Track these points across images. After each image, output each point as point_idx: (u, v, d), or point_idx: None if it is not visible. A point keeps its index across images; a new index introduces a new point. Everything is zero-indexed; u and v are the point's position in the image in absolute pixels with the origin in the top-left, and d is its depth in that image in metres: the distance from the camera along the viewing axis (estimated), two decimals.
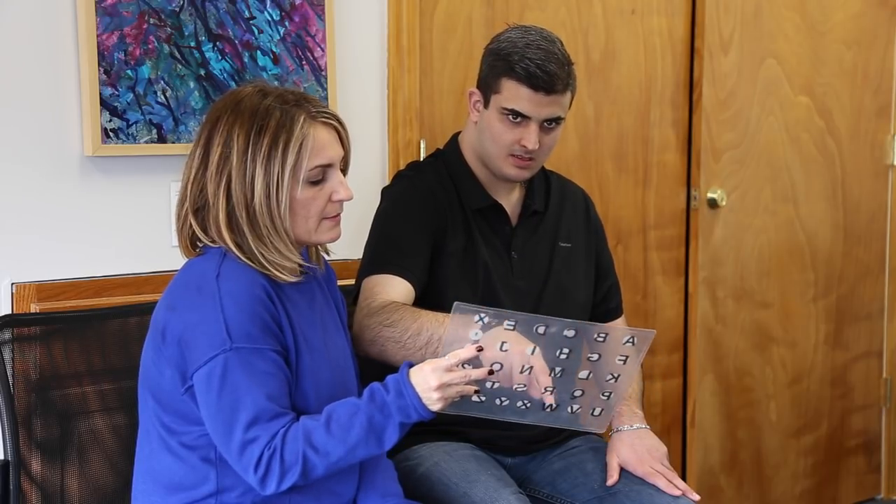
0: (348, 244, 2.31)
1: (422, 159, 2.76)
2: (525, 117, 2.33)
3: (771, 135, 3.75)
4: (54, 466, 2.16)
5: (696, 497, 2.30)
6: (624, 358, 2.03)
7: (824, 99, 3.87)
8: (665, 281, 3.56)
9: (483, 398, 1.95)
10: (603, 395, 2.06)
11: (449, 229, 2.39)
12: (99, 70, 2.37)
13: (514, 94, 2.32)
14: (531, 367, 1.93)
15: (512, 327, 1.93)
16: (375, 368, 2.21)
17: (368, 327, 2.18)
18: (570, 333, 1.96)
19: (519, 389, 1.97)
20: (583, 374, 2.02)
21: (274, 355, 1.89)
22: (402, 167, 2.67)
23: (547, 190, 2.55)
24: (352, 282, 2.41)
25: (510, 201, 2.49)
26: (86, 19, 2.35)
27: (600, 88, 3.33)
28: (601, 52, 3.32)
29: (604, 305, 2.60)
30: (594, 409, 2.07)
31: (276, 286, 1.93)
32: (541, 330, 1.95)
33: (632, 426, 2.39)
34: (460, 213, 2.42)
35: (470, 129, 2.46)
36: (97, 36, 2.37)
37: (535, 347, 1.94)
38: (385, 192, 2.50)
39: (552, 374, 1.98)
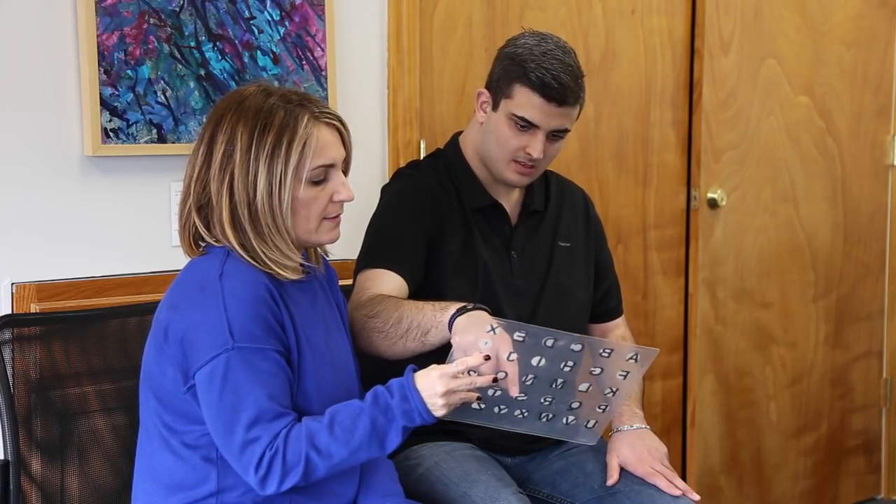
0: (347, 244, 2.31)
1: (421, 159, 2.76)
2: (533, 126, 2.33)
3: (771, 135, 3.75)
4: (54, 466, 2.16)
5: (696, 497, 2.30)
6: (625, 373, 2.05)
7: (824, 99, 3.87)
8: (665, 281, 3.56)
9: (483, 405, 1.96)
10: (599, 407, 2.08)
11: (447, 228, 2.39)
12: (99, 70, 2.37)
13: (525, 101, 2.31)
14: (534, 378, 1.94)
15: (522, 339, 1.95)
16: (375, 368, 2.21)
17: (356, 320, 2.19)
18: (577, 347, 1.98)
19: (519, 398, 1.98)
20: (583, 386, 2.05)
21: (276, 355, 1.89)
22: (401, 167, 2.67)
23: (546, 189, 2.55)
24: (351, 282, 2.41)
25: (510, 201, 2.48)
26: (86, 19, 2.35)
27: (600, 88, 3.33)
28: (601, 52, 3.32)
29: (603, 305, 2.60)
30: (588, 421, 2.10)
31: (278, 285, 1.93)
32: (549, 343, 1.97)
33: (632, 426, 2.40)
34: (459, 213, 2.42)
35: (474, 129, 2.46)
36: (97, 36, 2.37)
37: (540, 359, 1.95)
38: (384, 189, 2.51)
39: (554, 385, 2.00)
